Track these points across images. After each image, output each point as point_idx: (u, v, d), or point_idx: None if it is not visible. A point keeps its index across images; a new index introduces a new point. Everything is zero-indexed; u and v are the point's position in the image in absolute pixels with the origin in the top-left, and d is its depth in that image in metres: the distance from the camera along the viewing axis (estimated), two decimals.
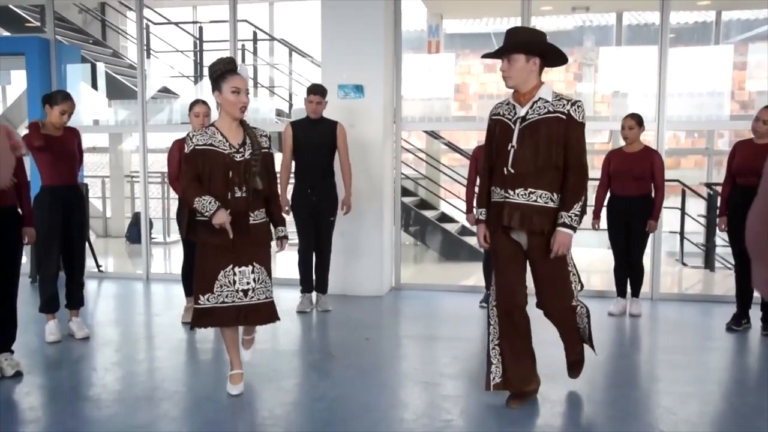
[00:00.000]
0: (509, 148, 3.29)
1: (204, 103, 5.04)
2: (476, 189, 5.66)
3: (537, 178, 3.25)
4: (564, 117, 3.22)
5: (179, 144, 5.00)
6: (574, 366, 3.75)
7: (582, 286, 3.47)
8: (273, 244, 3.65)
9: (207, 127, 3.47)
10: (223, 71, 3.35)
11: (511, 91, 3.36)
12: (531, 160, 3.23)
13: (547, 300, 3.40)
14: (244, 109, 3.40)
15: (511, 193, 3.29)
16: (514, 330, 3.45)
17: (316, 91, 5.39)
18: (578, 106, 3.25)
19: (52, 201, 4.51)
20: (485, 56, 3.45)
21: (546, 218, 3.26)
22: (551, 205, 3.27)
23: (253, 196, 3.43)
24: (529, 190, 3.26)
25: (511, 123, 3.32)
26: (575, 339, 3.63)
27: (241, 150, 3.41)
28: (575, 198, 3.24)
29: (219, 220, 3.31)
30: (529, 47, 3.24)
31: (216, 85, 3.38)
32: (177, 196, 5.19)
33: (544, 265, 3.34)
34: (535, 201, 3.26)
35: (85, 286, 4.96)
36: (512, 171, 3.27)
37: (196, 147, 3.38)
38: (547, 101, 3.26)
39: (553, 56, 3.32)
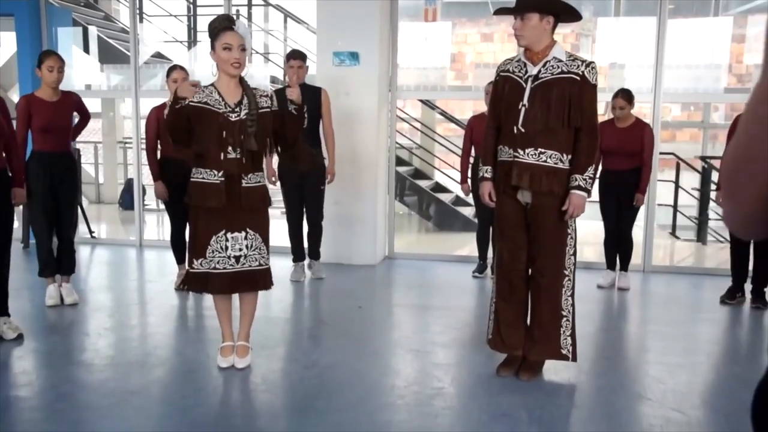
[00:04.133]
0: (520, 106, 3.25)
1: (182, 68, 5.00)
2: (471, 159, 5.70)
3: (548, 138, 3.23)
4: (578, 78, 3.21)
5: (157, 112, 4.95)
6: (531, 367, 3.48)
7: (575, 257, 3.46)
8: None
9: (206, 86, 3.39)
10: (218, 29, 3.28)
11: (521, 49, 3.33)
12: (542, 120, 3.21)
13: (542, 261, 3.37)
14: (238, 65, 3.30)
15: (521, 152, 3.26)
16: (511, 294, 3.48)
17: (296, 55, 5.30)
18: (592, 68, 3.24)
19: (39, 167, 4.49)
20: (497, 13, 3.41)
21: (555, 179, 3.25)
22: (561, 166, 3.26)
23: (247, 158, 3.35)
24: (540, 150, 3.24)
25: (522, 81, 3.28)
26: (551, 320, 3.41)
27: (237, 110, 3.33)
28: (588, 160, 3.25)
29: (185, 91, 3.28)
30: (543, 6, 3.20)
31: (211, 45, 3.33)
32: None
33: (546, 224, 3.33)
34: (545, 161, 3.24)
35: (77, 253, 4.94)
36: (522, 130, 3.24)
37: (191, 102, 3.30)
38: (561, 60, 3.23)
39: (566, 13, 3.29)
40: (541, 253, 3.37)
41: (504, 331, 3.52)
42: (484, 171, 3.48)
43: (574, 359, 3.48)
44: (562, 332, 3.42)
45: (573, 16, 3.33)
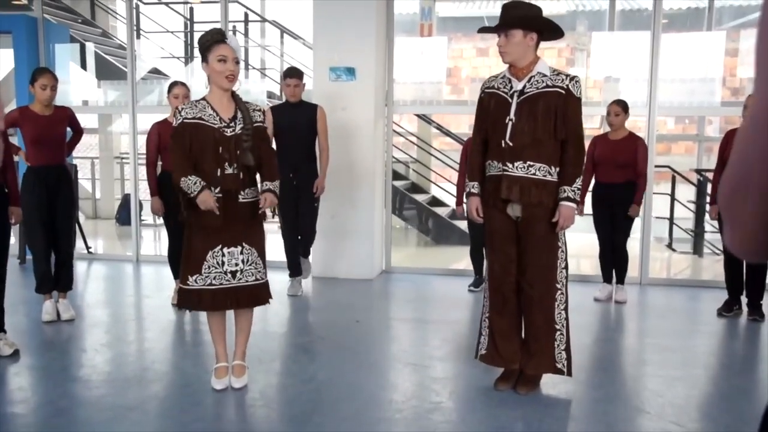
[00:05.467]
0: (507, 121, 3.30)
1: (183, 84, 5.02)
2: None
3: (536, 151, 3.27)
4: (563, 92, 3.25)
5: (158, 127, 4.97)
6: (528, 381, 3.48)
7: (567, 271, 3.45)
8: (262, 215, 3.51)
9: (198, 100, 3.34)
10: (210, 42, 3.26)
11: (505, 66, 3.39)
12: (529, 133, 3.25)
13: (532, 273, 3.37)
14: (232, 77, 3.27)
15: (510, 166, 3.30)
16: (504, 307, 3.48)
17: (293, 74, 5.33)
18: (576, 81, 3.29)
19: (35, 181, 4.50)
20: (481, 31, 3.48)
21: (545, 191, 3.29)
22: (549, 178, 3.30)
23: (244, 173, 3.33)
24: (528, 163, 3.28)
25: (508, 97, 3.33)
26: (545, 333, 3.41)
27: (232, 125, 3.31)
28: (576, 171, 3.29)
29: (204, 204, 3.18)
30: (526, 22, 3.25)
31: (204, 57, 3.29)
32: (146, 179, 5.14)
33: (536, 235, 3.34)
34: (534, 174, 3.28)
35: (75, 269, 4.92)
36: (510, 144, 3.29)
37: (185, 120, 3.26)
38: (545, 75, 3.29)
39: (550, 31, 3.35)
40: (531, 264, 3.37)
41: (500, 344, 3.52)
42: (471, 186, 3.51)
43: (569, 374, 3.47)
44: (556, 346, 3.42)
45: (556, 33, 3.37)
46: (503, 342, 3.51)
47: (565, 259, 3.43)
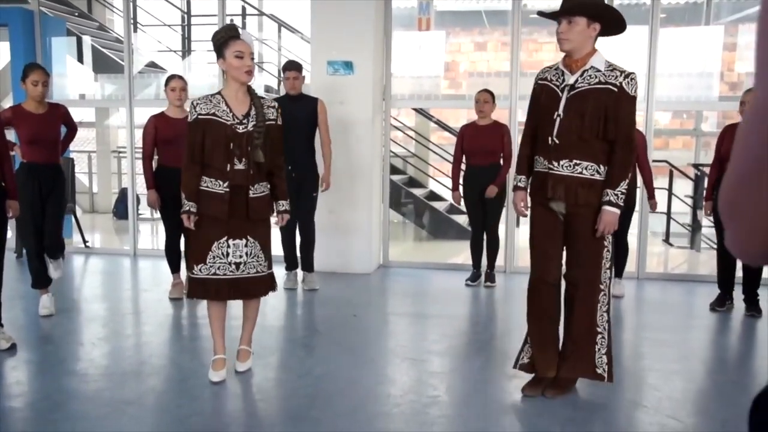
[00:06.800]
0: (555, 116, 3.15)
1: (180, 77, 5.02)
2: (463, 167, 5.72)
3: (582, 150, 3.11)
4: (615, 89, 3.07)
5: (155, 121, 4.96)
6: (560, 384, 3.34)
7: (611, 272, 3.33)
8: (273, 220, 3.60)
9: (213, 95, 3.39)
10: (226, 38, 3.29)
11: (561, 56, 3.24)
12: (576, 131, 3.09)
13: (577, 272, 3.23)
14: (250, 72, 3.33)
15: (555, 164, 3.15)
16: (542, 311, 3.33)
17: (291, 66, 5.35)
18: (631, 79, 3.10)
19: (27, 178, 4.47)
20: (541, 15, 3.27)
21: (591, 191, 3.13)
22: (597, 177, 3.13)
23: (254, 169, 3.37)
24: (574, 161, 3.13)
25: (559, 90, 3.18)
26: (584, 335, 3.26)
27: (245, 121, 3.34)
28: (622, 174, 3.12)
29: (185, 223, 3.37)
30: (593, 10, 3.08)
31: (219, 53, 3.32)
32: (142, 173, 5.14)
33: (582, 234, 3.20)
34: (581, 173, 3.13)
35: (71, 263, 4.90)
36: (557, 141, 3.14)
37: (199, 116, 3.32)
38: (599, 70, 3.12)
39: (614, 23, 3.17)
40: (577, 263, 3.25)
41: (538, 356, 3.35)
42: (518, 180, 3.37)
43: (611, 379, 3.30)
44: (597, 350, 3.27)
45: (619, 27, 3.19)
46: (540, 353, 3.35)
47: (611, 259, 3.28)
